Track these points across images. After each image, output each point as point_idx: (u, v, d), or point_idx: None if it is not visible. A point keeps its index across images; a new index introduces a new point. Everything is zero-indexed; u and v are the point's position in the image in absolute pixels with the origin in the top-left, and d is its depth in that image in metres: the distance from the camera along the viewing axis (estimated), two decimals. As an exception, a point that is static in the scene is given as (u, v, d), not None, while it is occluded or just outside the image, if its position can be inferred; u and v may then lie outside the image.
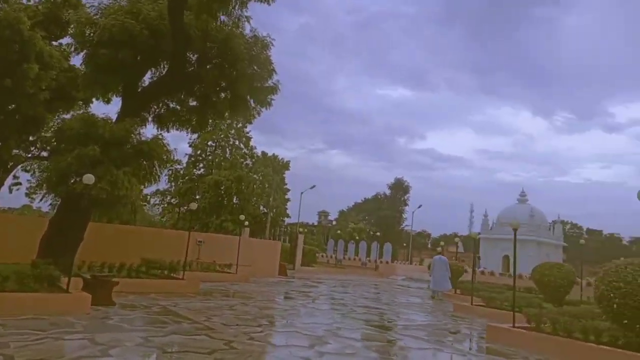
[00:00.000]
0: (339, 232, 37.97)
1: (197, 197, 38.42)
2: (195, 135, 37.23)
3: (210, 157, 41.13)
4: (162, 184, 31.89)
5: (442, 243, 25.49)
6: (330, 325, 8.50)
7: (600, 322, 7.90)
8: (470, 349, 7.98)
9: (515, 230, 9.13)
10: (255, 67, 12.75)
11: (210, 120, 14.70)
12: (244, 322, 8.07)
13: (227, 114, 13.70)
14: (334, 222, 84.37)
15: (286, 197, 36.74)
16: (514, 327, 8.55)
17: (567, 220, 38.80)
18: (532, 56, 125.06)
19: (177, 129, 14.34)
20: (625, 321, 6.21)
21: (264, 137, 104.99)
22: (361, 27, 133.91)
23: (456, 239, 23.96)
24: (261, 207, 37.16)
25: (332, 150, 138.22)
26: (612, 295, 6.28)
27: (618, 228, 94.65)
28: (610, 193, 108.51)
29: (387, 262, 32.33)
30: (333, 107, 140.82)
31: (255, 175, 37.65)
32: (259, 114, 13.88)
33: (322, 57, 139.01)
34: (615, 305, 6.15)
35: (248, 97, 13.28)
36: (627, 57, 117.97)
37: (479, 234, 36.09)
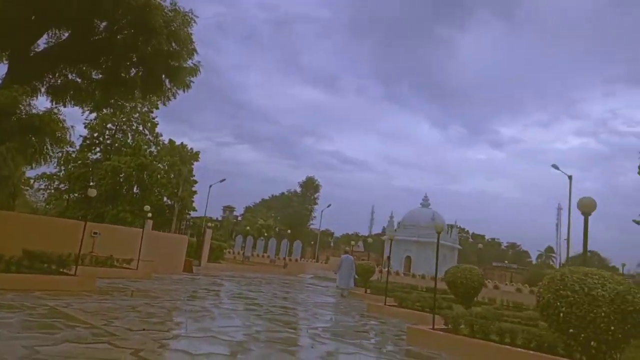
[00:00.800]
0: (247, 228, 36.95)
1: (92, 184, 34.99)
2: (93, 116, 33.94)
3: (109, 141, 37.72)
4: (50, 167, 28.37)
5: (352, 242, 25.90)
6: (248, 329, 7.86)
7: (514, 325, 8.26)
8: (393, 352, 7.84)
9: (439, 233, 9.28)
10: (173, 44, 11.60)
11: (116, 98, 13.11)
12: (152, 327, 7.10)
13: (137, 92, 12.31)
14: (240, 218, 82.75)
15: (193, 189, 34.84)
16: (433, 329, 8.64)
17: (457, 225, 42.08)
18: (434, 72, 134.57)
19: (75, 105, 12.63)
20: (571, 330, 6.33)
21: (169, 125, 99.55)
22: (275, 25, 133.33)
23: (352, 242, 24.67)
24: (165, 199, 34.85)
25: (241, 145, 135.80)
26: (558, 304, 6.37)
27: (496, 233, 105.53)
28: (492, 202, 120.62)
29: (296, 260, 32.14)
30: (243, 101, 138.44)
31: (160, 164, 35.22)
32: (174, 96, 12.72)
33: (233, 50, 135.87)
34: (561, 314, 6.23)
35: (163, 77, 12.07)
36: (511, 82, 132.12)
37: (383, 234, 37.55)
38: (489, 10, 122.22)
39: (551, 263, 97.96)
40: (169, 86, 12.17)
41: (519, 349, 7.36)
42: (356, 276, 18.26)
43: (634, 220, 28.84)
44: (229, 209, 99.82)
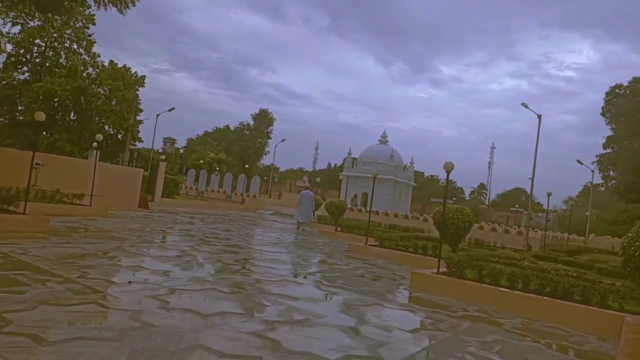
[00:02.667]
0: (201, 161, 34.99)
1: (20, 108, 31.30)
2: (17, 29, 29.58)
3: (38, 60, 33.38)
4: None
5: (318, 179, 25.21)
6: (238, 276, 6.97)
7: (524, 270, 7.96)
8: (405, 300, 7.30)
9: (448, 172, 8.54)
10: None
11: (67, 5, 10.78)
12: (139, 278, 6.01)
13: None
14: (182, 150, 79.36)
15: (138, 118, 32.02)
16: (438, 273, 8.20)
17: (413, 163, 42.77)
18: (381, 6, 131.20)
19: (6, 11, 10.23)
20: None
21: (99, 48, 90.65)
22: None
23: (304, 178, 24.14)
24: (107, 128, 31.88)
25: (179, 72, 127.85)
26: None
27: (435, 170, 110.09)
28: (431, 139, 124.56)
29: (254, 196, 31.10)
30: (181, 25, 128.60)
31: (100, 89, 31.80)
32: (134, 2, 10.65)
33: None
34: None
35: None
36: (454, 21, 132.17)
37: (329, 169, 37.27)
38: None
39: (482, 199, 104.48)
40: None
41: (532, 295, 7.07)
42: (314, 211, 18.77)
43: (577, 160, 30.35)
44: (169, 140, 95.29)
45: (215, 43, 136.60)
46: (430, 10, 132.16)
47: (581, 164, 30.49)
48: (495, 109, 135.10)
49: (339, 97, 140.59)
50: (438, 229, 11.12)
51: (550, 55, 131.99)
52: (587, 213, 30.73)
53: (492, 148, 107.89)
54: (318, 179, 24.95)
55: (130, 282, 5.77)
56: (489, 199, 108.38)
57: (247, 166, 35.32)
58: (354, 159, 38.04)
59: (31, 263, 6.06)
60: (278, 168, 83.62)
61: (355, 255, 11.77)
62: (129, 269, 6.48)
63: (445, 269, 8.46)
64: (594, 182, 32.66)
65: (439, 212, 10.96)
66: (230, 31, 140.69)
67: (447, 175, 8.50)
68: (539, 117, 19.27)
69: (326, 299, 6.38)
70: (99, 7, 9.60)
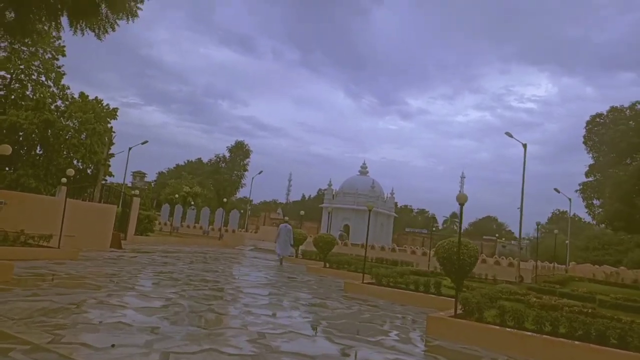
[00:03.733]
0: (176, 196, 33.58)
1: (-18, 142, 29.42)
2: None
3: (2, 93, 31.83)
4: None
5: (301, 212, 24.39)
6: (253, 327, 6.06)
7: (550, 313, 7.32)
8: (421, 349, 6.51)
9: (462, 205, 7.97)
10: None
11: (37, 23, 9.91)
12: (122, 339, 5.03)
13: (65, 17, 9.34)
14: (153, 184, 77.26)
15: (110, 152, 30.66)
16: (455, 316, 7.47)
17: (393, 194, 42.53)
18: (349, 41, 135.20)
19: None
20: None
21: (67, 83, 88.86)
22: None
23: (278, 210, 23.45)
24: (75, 162, 30.31)
25: (148, 106, 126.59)
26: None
27: (405, 200, 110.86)
28: (400, 170, 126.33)
29: (233, 231, 29.84)
30: (150, 59, 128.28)
31: (69, 122, 30.40)
32: (113, 27, 9.93)
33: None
34: None
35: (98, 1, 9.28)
36: (420, 56, 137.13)
37: (304, 200, 36.56)
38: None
39: (454, 228, 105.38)
40: (106, 14, 9.36)
41: (565, 340, 6.42)
42: (292, 244, 18.98)
43: (555, 189, 30.66)
44: (139, 174, 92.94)
45: (185, 76, 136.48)
46: (395, 46, 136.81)
47: (558, 192, 30.81)
48: (461, 139, 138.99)
49: (310, 129, 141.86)
50: (441, 264, 10.44)
51: (511, 88, 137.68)
52: (566, 241, 30.85)
53: (462, 177, 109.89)
54: (302, 212, 24.12)
55: (113, 345, 4.80)
56: (460, 228, 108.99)
57: (225, 200, 34.11)
58: (332, 190, 37.46)
59: (-10, 325, 5.01)
60: (251, 200, 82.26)
61: (353, 295, 10.93)
62: (109, 327, 5.48)
63: (460, 311, 7.77)
64: (570, 210, 33.00)
65: (442, 247, 10.34)
66: (200, 65, 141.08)
67: (461, 208, 7.93)
68: (524, 145, 19.27)
69: (343, 355, 5.52)
70: (75, 32, 8.85)
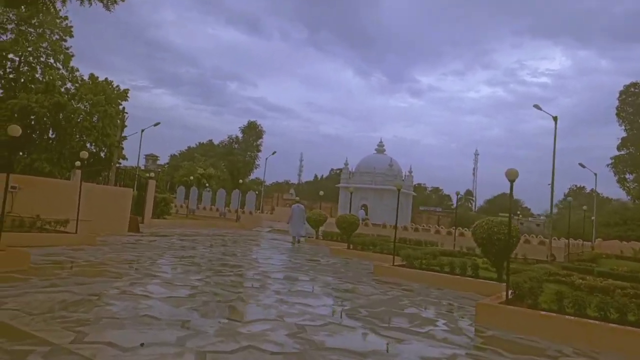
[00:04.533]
0: (191, 178, 33.15)
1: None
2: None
3: (12, 76, 31.43)
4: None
5: (321, 192, 23.80)
6: (277, 322, 5.51)
7: (606, 298, 6.65)
8: (477, 340, 5.92)
9: (512, 182, 7.25)
10: None
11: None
12: (153, 337, 4.50)
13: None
14: (166, 167, 77.27)
15: (123, 134, 30.22)
16: (507, 302, 6.85)
17: (411, 172, 41.49)
18: (357, 18, 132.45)
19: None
20: None
21: (76, 65, 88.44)
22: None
23: (291, 191, 22.98)
24: (88, 145, 29.96)
25: (158, 89, 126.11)
26: None
27: (418, 178, 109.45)
28: (412, 148, 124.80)
29: (250, 213, 29.41)
30: (158, 41, 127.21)
31: (80, 104, 29.95)
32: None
33: None
34: None
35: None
36: (430, 32, 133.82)
37: (317, 180, 35.94)
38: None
39: (469, 205, 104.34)
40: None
41: (632, 328, 5.79)
42: (304, 223, 18.73)
43: (579, 164, 29.60)
44: (152, 157, 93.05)
45: (193, 58, 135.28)
46: (404, 23, 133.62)
47: (583, 167, 29.76)
48: (473, 116, 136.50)
49: (319, 109, 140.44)
50: (480, 245, 9.78)
51: (524, 62, 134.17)
52: (592, 217, 29.90)
53: (476, 154, 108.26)
54: (321, 192, 23.48)
55: (142, 344, 4.27)
56: (475, 205, 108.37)
57: (241, 181, 33.60)
58: (349, 170, 36.59)
59: (6, 322, 4.51)
60: (263, 181, 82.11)
61: (384, 278, 10.36)
62: (135, 322, 4.96)
63: (508, 296, 7.15)
64: (596, 186, 31.92)
65: (481, 227, 9.66)
66: (208, 46, 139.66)
67: (511, 185, 7.21)
68: (555, 118, 18.34)
69: (389, 350, 4.94)
70: (82, 2, 8.21)
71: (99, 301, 5.77)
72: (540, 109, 18.82)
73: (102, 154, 30.97)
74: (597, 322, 6.03)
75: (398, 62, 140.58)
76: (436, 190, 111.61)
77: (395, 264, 11.30)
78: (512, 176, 7.09)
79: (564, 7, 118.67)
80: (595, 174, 30.05)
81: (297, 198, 21.87)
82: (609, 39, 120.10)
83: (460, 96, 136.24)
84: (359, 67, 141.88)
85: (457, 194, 26.86)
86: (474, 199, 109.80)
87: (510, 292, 7.12)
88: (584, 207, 24.80)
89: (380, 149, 37.54)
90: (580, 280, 9.93)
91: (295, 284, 8.66)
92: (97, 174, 28.31)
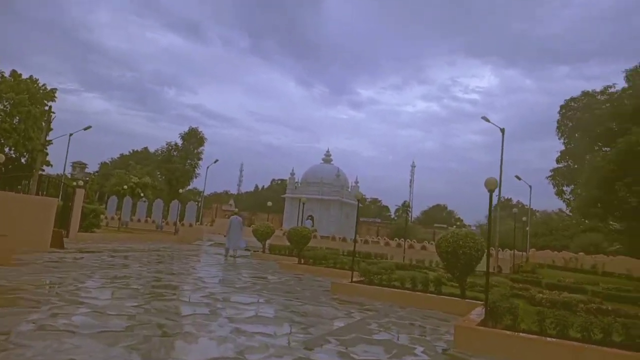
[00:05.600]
0: (124, 187, 30.71)
1: None
2: None
3: None
4: None
5: (269, 203, 22.68)
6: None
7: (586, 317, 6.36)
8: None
9: (491, 192, 6.79)
10: None
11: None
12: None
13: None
14: (95, 175, 72.48)
15: (48, 138, 27.44)
16: (485, 325, 6.35)
17: (357, 182, 41.45)
18: (300, 28, 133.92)
19: None
20: None
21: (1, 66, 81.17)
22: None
23: (230, 202, 22.09)
24: (7, 150, 26.91)
25: (88, 92, 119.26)
26: None
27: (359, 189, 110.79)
28: (351, 159, 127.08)
29: (190, 225, 27.60)
30: (91, 43, 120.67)
31: (-2, 105, 26.89)
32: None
33: None
34: None
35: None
36: (371, 45, 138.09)
37: (257, 191, 34.85)
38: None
39: (406, 216, 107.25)
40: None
41: (622, 352, 5.47)
42: (244, 237, 18.56)
43: (516, 176, 30.85)
44: (79, 165, 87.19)
45: (128, 62, 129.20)
46: (346, 36, 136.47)
47: (519, 179, 31.00)
48: (409, 129, 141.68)
49: (261, 118, 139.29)
50: (443, 260, 9.35)
51: (457, 79, 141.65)
52: (527, 228, 31.22)
53: (413, 166, 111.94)
54: (269, 203, 22.45)
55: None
56: (411, 217, 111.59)
57: (181, 191, 31.70)
58: (295, 179, 35.74)
59: None
60: (201, 191, 79.21)
61: (344, 297, 9.67)
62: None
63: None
64: (530, 198, 33.42)
65: (446, 240, 9.23)
66: (145, 50, 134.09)
67: (490, 196, 6.78)
68: (502, 130, 18.74)
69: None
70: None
71: (7, 342, 4.54)
72: (488, 120, 19.25)
73: (23, 160, 28.00)
74: (582, 343, 5.67)
75: (339, 74, 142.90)
76: (375, 201, 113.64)
77: (353, 280, 10.65)
78: (491, 185, 6.68)
79: (493, 28, 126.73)
80: (530, 187, 31.45)
81: (236, 209, 21.03)
82: (532, 59, 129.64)
83: (397, 110, 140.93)
84: (301, 77, 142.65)
85: (406, 204, 26.84)
86: (410, 210, 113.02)
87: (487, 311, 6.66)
88: (524, 219, 25.66)
89: (328, 158, 37.09)
90: (541, 295, 9.80)
91: (249, 307, 7.70)
92: (17, 182, 25.51)
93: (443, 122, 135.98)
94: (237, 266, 14.76)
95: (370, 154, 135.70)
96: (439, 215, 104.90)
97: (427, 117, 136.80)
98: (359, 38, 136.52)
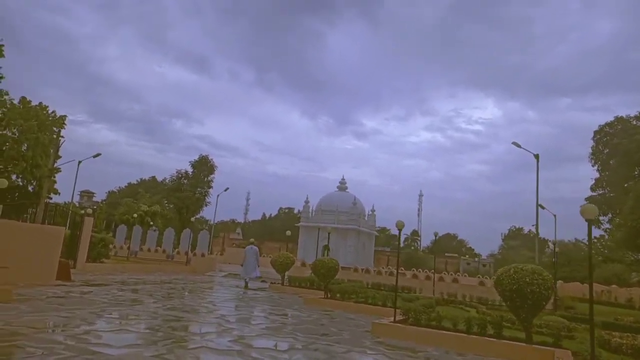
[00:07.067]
0: (134, 216, 29.66)
1: None
2: None
3: None
4: None
5: (288, 232, 21.53)
6: None
7: None
8: None
9: (400, 229, 5.66)
10: None
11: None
12: None
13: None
14: (102, 204, 71.84)
15: (56, 165, 26.68)
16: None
17: (374, 210, 40.36)
18: (304, 62, 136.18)
19: None
20: None
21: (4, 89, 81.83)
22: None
23: (237, 230, 21.09)
24: (14, 178, 26.14)
25: (97, 124, 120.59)
26: None
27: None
28: (357, 189, 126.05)
29: (202, 255, 26.35)
30: (100, 76, 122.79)
31: (6, 131, 26.28)
32: None
33: (88, 18, 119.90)
34: None
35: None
36: (374, 78, 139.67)
37: (264, 219, 33.57)
38: (356, 9, 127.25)
39: (416, 245, 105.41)
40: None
41: None
42: (258, 266, 18.17)
43: (539, 205, 29.53)
44: (87, 194, 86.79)
45: (137, 94, 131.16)
46: (350, 69, 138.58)
47: (543, 208, 29.66)
48: (414, 159, 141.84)
49: (266, 149, 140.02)
50: (508, 299, 8.07)
51: (460, 110, 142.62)
52: (554, 259, 29.60)
53: (420, 195, 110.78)
54: (288, 232, 21.35)
55: None
56: (421, 245, 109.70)
57: (193, 219, 30.61)
58: (310, 207, 34.53)
59: None
60: (208, 220, 77.84)
61: (388, 340, 8.39)
62: None
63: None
64: (556, 228, 31.91)
65: (509, 276, 8.00)
66: (153, 83, 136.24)
67: (589, 226, 5.63)
68: (536, 156, 17.69)
69: None
70: None
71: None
72: (519, 146, 18.21)
73: (31, 188, 27.16)
74: None
75: (344, 106, 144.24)
76: (383, 230, 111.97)
77: (396, 319, 9.38)
78: (589, 214, 5.54)
79: (493, 61, 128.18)
80: (555, 215, 30.07)
81: (252, 240, 20.13)
82: (534, 92, 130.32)
83: (401, 140, 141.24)
84: (306, 109, 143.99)
85: (435, 234, 25.54)
86: (419, 238, 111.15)
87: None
88: (557, 249, 24.16)
89: (342, 186, 35.92)
90: (618, 340, 8.47)
91: (287, 355, 6.48)
92: (23, 210, 24.60)
93: (447, 152, 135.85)
94: (259, 300, 13.49)
95: (376, 182, 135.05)
96: (449, 244, 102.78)
97: (432, 147, 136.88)
98: (361, 71, 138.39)
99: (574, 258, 55.99)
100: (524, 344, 7.85)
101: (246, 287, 17.09)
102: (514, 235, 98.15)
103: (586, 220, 5.69)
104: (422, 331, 8.62)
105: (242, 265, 18.20)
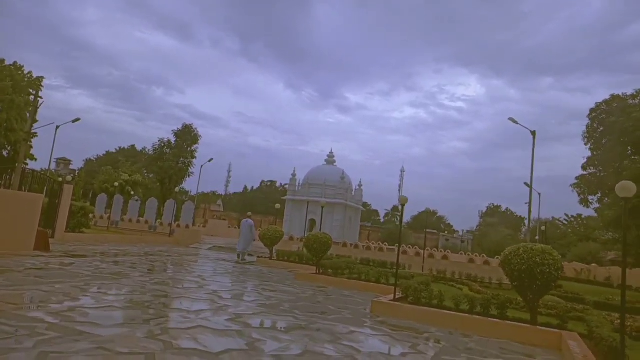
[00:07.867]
0: (115, 185, 28.61)
1: None
2: None
3: None
4: None
5: (277, 205, 21.07)
6: None
7: None
8: None
9: (403, 205, 5.27)
10: None
11: None
12: None
13: None
14: (79, 171, 69.95)
15: (33, 130, 25.35)
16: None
17: (361, 185, 39.84)
18: (290, 33, 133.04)
19: None
20: None
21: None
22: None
23: (218, 202, 20.83)
24: (-13, 141, 24.76)
25: (74, 89, 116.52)
26: None
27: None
28: (338, 163, 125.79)
29: (186, 227, 25.68)
30: (77, 40, 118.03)
31: (-22, 92, 24.70)
32: None
33: None
34: None
35: None
36: (359, 51, 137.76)
37: (246, 192, 33.02)
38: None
39: (395, 221, 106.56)
40: None
41: None
42: (254, 240, 18.43)
43: (525, 183, 29.63)
44: (63, 161, 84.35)
45: (116, 60, 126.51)
46: (336, 42, 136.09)
47: (528, 186, 29.80)
48: (396, 135, 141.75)
49: (248, 120, 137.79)
50: (517, 279, 7.79)
51: (444, 87, 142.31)
52: (537, 237, 30.04)
53: (402, 171, 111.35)
54: (277, 206, 20.83)
55: None
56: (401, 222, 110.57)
57: (177, 189, 29.75)
58: (297, 181, 33.95)
59: None
60: (188, 191, 76.72)
61: (390, 320, 8.09)
62: None
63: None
64: (540, 206, 32.26)
65: (517, 256, 7.70)
66: (133, 49, 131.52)
67: (625, 204, 5.26)
68: (533, 133, 17.41)
69: None
70: None
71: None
72: (516, 122, 17.89)
73: (5, 153, 25.89)
74: None
75: (328, 79, 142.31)
76: (364, 204, 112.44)
77: (395, 298, 9.10)
78: (626, 192, 5.17)
79: (479, 38, 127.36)
80: (540, 194, 30.29)
81: (249, 213, 19.80)
82: (517, 70, 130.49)
83: (385, 116, 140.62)
84: (290, 80, 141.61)
85: (403, 202, 25.25)
86: (399, 214, 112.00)
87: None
88: (543, 228, 24.37)
89: (331, 159, 35.32)
90: (619, 321, 8.33)
91: (290, 336, 6.09)
92: (-3, 176, 23.48)
93: (429, 129, 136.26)
94: (249, 275, 13.09)
95: (358, 158, 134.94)
96: (428, 220, 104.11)
97: (415, 123, 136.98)
98: (347, 44, 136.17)
99: (552, 236, 57.28)
100: (529, 326, 7.64)
101: (239, 260, 16.96)
102: (492, 212, 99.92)
103: (621, 198, 5.34)
104: (424, 311, 8.35)
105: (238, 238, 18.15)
